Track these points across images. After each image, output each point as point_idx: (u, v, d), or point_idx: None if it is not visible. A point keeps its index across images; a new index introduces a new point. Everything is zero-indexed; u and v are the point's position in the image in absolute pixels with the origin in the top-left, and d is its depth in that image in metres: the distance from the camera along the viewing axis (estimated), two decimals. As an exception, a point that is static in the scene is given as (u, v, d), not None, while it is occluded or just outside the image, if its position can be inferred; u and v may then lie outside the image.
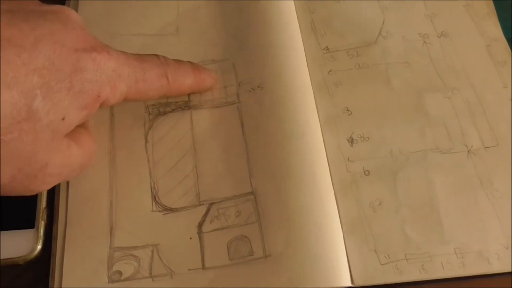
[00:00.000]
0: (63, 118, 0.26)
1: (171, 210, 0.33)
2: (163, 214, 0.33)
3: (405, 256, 0.32)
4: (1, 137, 0.24)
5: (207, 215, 0.33)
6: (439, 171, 0.35)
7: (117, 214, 0.33)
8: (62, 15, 0.28)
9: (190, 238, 0.32)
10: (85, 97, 0.27)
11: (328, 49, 0.40)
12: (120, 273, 0.31)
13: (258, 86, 0.37)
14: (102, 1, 0.41)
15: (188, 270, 0.32)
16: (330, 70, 0.39)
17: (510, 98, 0.38)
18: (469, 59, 0.40)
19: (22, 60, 0.24)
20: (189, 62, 0.35)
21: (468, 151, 0.36)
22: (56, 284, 0.31)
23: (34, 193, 0.27)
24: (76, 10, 0.40)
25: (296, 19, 0.40)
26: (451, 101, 0.38)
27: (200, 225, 0.33)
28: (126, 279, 0.31)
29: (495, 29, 0.41)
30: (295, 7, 0.41)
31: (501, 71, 0.39)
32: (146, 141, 0.35)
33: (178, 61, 0.34)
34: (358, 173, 0.35)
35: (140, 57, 0.31)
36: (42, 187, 0.28)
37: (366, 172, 0.35)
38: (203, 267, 0.32)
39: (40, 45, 0.25)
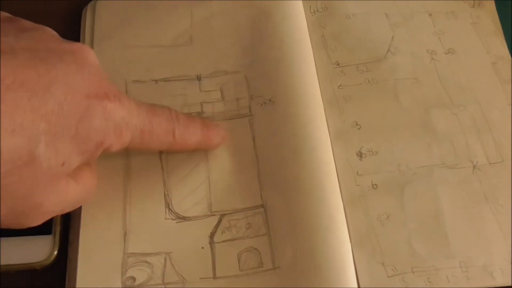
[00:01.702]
0: (63, 163, 0.26)
1: (183, 218, 0.34)
2: (176, 223, 0.34)
3: (412, 269, 0.33)
4: (0, 181, 0.24)
5: (219, 226, 0.34)
6: (445, 186, 0.36)
7: (131, 221, 0.34)
8: (80, 56, 0.27)
9: (202, 248, 0.33)
10: (89, 144, 0.27)
11: (338, 64, 0.41)
12: (133, 279, 0.32)
13: (270, 100, 0.37)
14: (118, 14, 0.42)
15: (200, 278, 0.32)
16: (340, 85, 0.40)
17: (516, 115, 0.39)
18: (475, 76, 0.41)
19: (31, 105, 0.24)
20: (200, 118, 0.35)
21: (474, 166, 0.37)
22: (71, 288, 0.32)
23: (22, 227, 0.27)
24: (93, 26, 0.41)
25: (308, 34, 0.41)
26: (458, 118, 0.39)
27: (212, 235, 0.34)
28: (140, 285, 0.32)
29: (501, 47, 0.42)
30: (307, 22, 0.41)
31: (507, 89, 0.40)
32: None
33: (189, 118, 0.34)
34: (367, 187, 0.36)
35: (152, 109, 0.31)
36: (32, 224, 0.28)
37: (374, 186, 0.36)
38: (214, 276, 0.32)
39: (53, 88, 0.25)
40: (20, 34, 0.27)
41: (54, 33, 0.29)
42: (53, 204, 0.27)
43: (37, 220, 0.28)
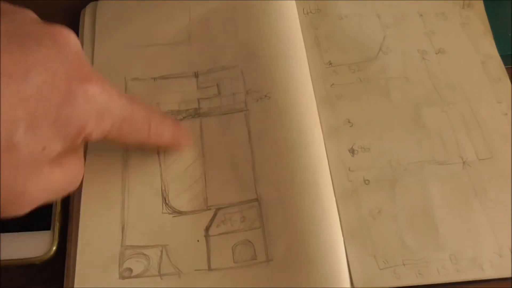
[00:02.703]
0: (44, 148, 0.25)
1: (180, 213, 0.35)
2: (173, 217, 0.35)
3: (403, 262, 0.34)
4: None
5: (214, 220, 0.35)
6: (435, 182, 0.37)
7: (129, 214, 0.34)
8: (60, 39, 0.26)
9: (198, 241, 0.34)
10: (69, 129, 0.26)
11: (331, 64, 0.42)
12: (130, 270, 0.33)
13: (266, 96, 0.38)
14: (118, 14, 0.43)
15: (195, 270, 0.33)
16: (333, 84, 0.41)
17: (504, 112, 0.40)
18: (465, 75, 0.41)
19: (9, 91, 0.23)
20: (172, 118, 0.36)
21: (464, 162, 0.38)
22: (70, 281, 0.32)
23: (11, 216, 0.27)
24: (94, 23, 0.42)
25: (301, 34, 0.42)
26: (448, 115, 0.40)
27: (207, 228, 0.34)
28: (136, 276, 0.32)
29: (491, 47, 0.43)
30: (300, 23, 0.42)
31: (496, 87, 0.41)
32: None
33: (163, 114, 0.35)
34: (359, 182, 0.37)
35: (131, 97, 0.31)
36: (19, 211, 0.27)
37: (366, 181, 0.37)
38: (209, 268, 0.33)
39: (31, 73, 0.24)
40: None
41: (34, 15, 0.28)
42: (38, 191, 0.27)
43: (23, 209, 0.27)
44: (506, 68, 0.42)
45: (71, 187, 0.30)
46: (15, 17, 0.27)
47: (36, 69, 0.24)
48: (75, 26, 0.43)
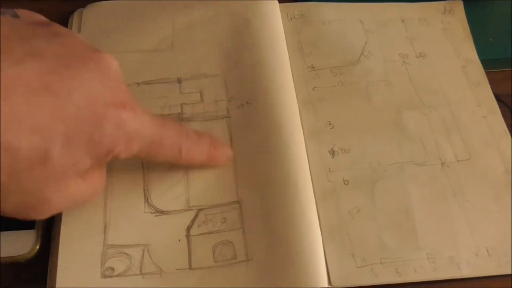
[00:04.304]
0: (74, 164, 0.27)
1: (162, 212, 0.35)
2: (155, 216, 0.35)
3: (380, 260, 0.34)
4: (12, 177, 0.25)
5: (195, 220, 0.35)
6: (414, 182, 0.37)
7: (111, 213, 0.35)
8: (103, 65, 0.29)
9: (179, 240, 0.35)
10: (100, 149, 0.28)
11: (313, 67, 0.43)
12: (112, 269, 0.33)
13: (247, 102, 0.39)
14: (103, 21, 0.43)
15: (176, 269, 0.33)
16: (315, 87, 0.42)
17: (483, 115, 0.40)
18: (445, 79, 0.42)
19: (53, 108, 0.25)
20: (210, 137, 0.36)
21: (442, 164, 0.38)
22: (52, 280, 0.33)
23: (28, 219, 0.29)
24: (79, 29, 0.43)
25: (284, 39, 0.43)
26: (428, 118, 0.40)
27: (188, 228, 0.35)
28: (118, 275, 0.33)
29: (471, 52, 0.44)
30: (284, 28, 0.43)
31: (475, 91, 0.42)
32: None
33: (199, 135, 0.35)
34: (338, 183, 0.37)
35: (163, 123, 0.32)
36: (37, 217, 0.29)
37: (346, 182, 0.37)
38: (190, 267, 0.34)
39: (74, 94, 0.26)
40: (52, 39, 0.28)
41: (82, 39, 0.30)
42: (60, 201, 0.28)
43: (43, 215, 0.29)
44: (486, 72, 0.43)
45: (91, 199, 0.32)
46: (66, 40, 0.29)
47: (79, 91, 0.26)
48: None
